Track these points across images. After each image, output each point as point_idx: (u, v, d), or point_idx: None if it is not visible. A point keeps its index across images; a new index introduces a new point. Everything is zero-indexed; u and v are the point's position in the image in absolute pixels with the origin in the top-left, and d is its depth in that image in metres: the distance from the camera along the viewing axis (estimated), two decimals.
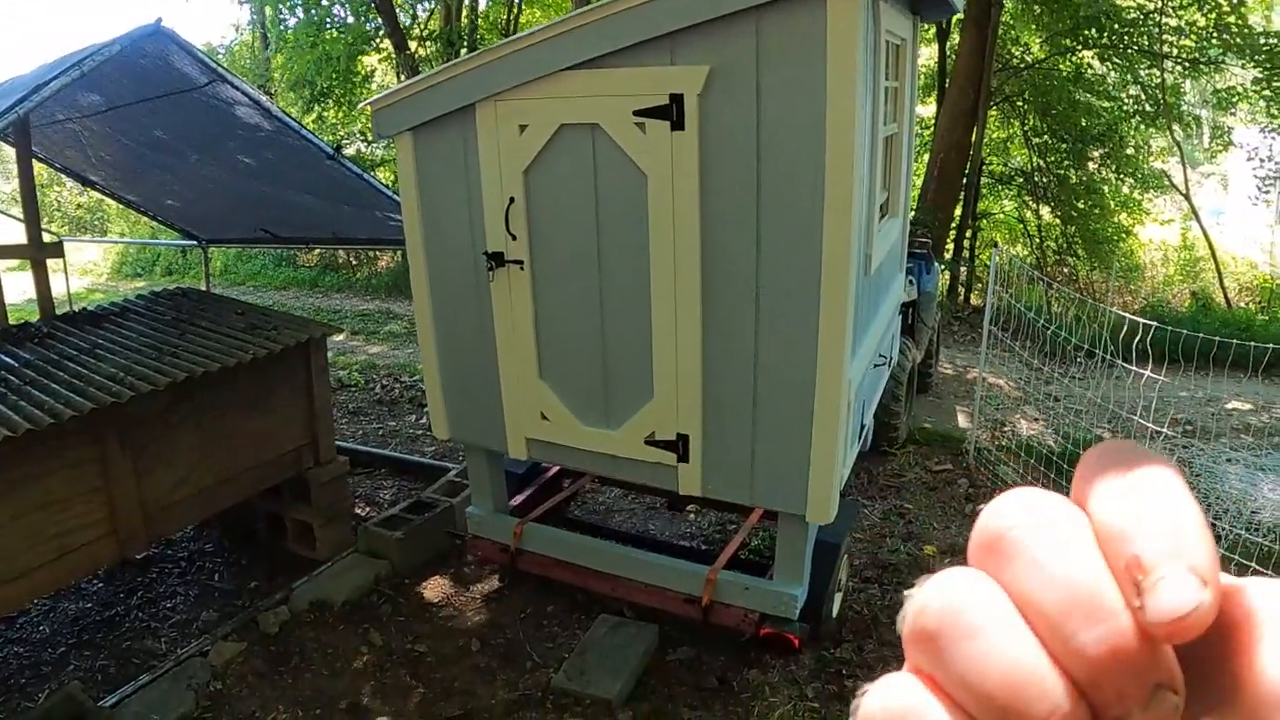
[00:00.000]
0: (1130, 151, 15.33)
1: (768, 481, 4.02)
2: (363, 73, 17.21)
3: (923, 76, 15.79)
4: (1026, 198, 16.04)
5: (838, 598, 4.98)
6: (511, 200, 4.08)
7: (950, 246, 14.08)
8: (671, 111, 3.56)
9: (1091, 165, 15.33)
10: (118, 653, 5.01)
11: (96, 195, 18.15)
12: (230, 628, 5.03)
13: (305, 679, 4.67)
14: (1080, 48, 14.01)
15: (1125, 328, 5.46)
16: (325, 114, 16.90)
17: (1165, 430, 7.02)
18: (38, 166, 7.16)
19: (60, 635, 5.18)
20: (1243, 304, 14.47)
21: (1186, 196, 15.25)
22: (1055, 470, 6.43)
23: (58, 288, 10.07)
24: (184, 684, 4.54)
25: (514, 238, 4.15)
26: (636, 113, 3.64)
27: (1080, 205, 14.99)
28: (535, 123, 3.90)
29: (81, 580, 5.58)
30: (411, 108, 4.21)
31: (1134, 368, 5.30)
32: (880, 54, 4.07)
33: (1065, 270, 15.71)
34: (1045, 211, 15.94)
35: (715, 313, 3.82)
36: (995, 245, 7.88)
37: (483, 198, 4.18)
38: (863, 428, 4.77)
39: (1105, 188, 15.45)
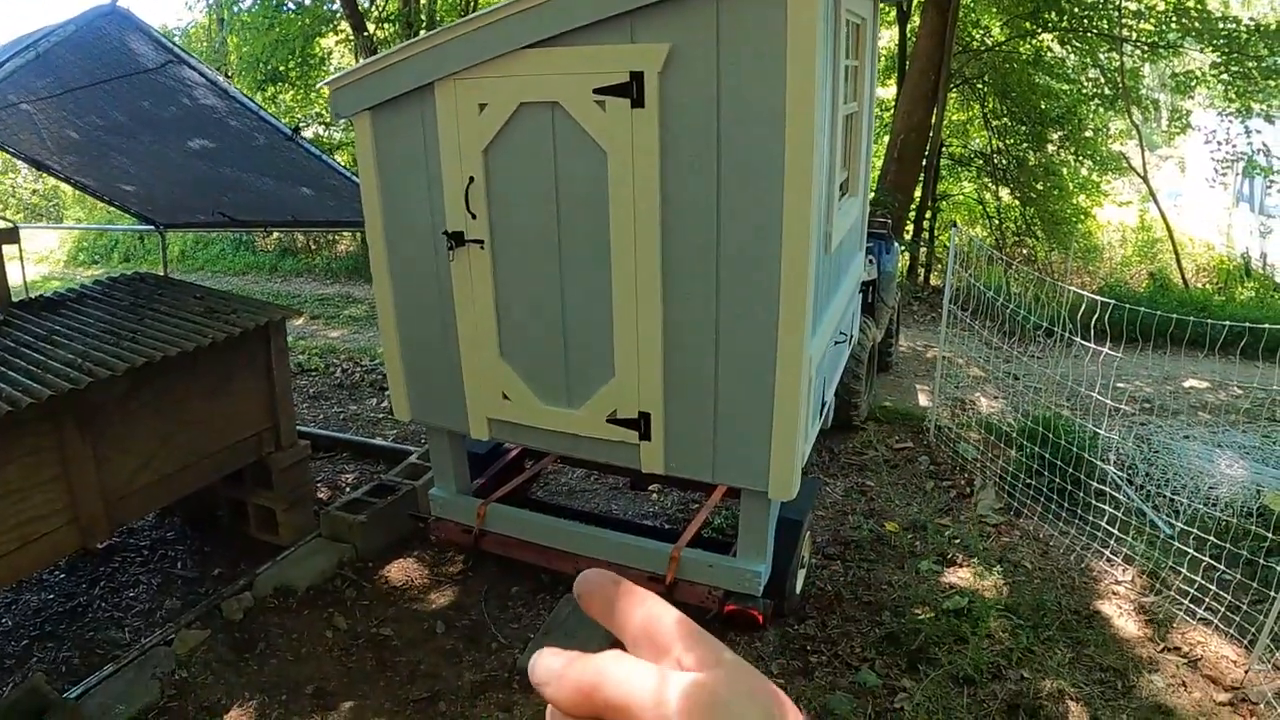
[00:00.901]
0: (1089, 134, 15.47)
1: (730, 459, 4.04)
2: (320, 55, 17.02)
3: (883, 58, 15.84)
4: (986, 179, 16.15)
5: (801, 574, 5.02)
6: (471, 179, 4.06)
7: (910, 227, 14.17)
8: (632, 89, 3.56)
9: (1050, 147, 15.47)
10: (81, 643, 4.96)
11: (52, 181, 17.89)
12: (194, 615, 4.99)
13: (270, 665, 4.65)
14: (1040, 30, 14.11)
15: (1084, 306, 5.52)
16: (281, 96, 16.70)
17: (1124, 407, 7.11)
18: None
19: (22, 627, 5.12)
20: (1200, 285, 14.65)
21: (1144, 179, 15.41)
22: (1015, 447, 6.50)
23: (13, 276, 9.89)
24: (149, 673, 4.50)
25: (474, 217, 4.13)
26: (597, 91, 3.63)
27: (1039, 187, 15.13)
28: (495, 101, 3.88)
29: (43, 571, 5.52)
30: (370, 87, 4.18)
31: (1093, 345, 5.36)
32: (840, 33, 4.09)
33: (1024, 251, 15.86)
34: (1004, 193, 16.06)
35: (676, 290, 3.83)
36: (954, 225, 7.92)
37: (442, 177, 4.16)
38: (824, 405, 4.80)
39: (1064, 170, 15.60)
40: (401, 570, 5.51)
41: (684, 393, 4.00)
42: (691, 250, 3.74)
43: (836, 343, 4.99)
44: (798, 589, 4.96)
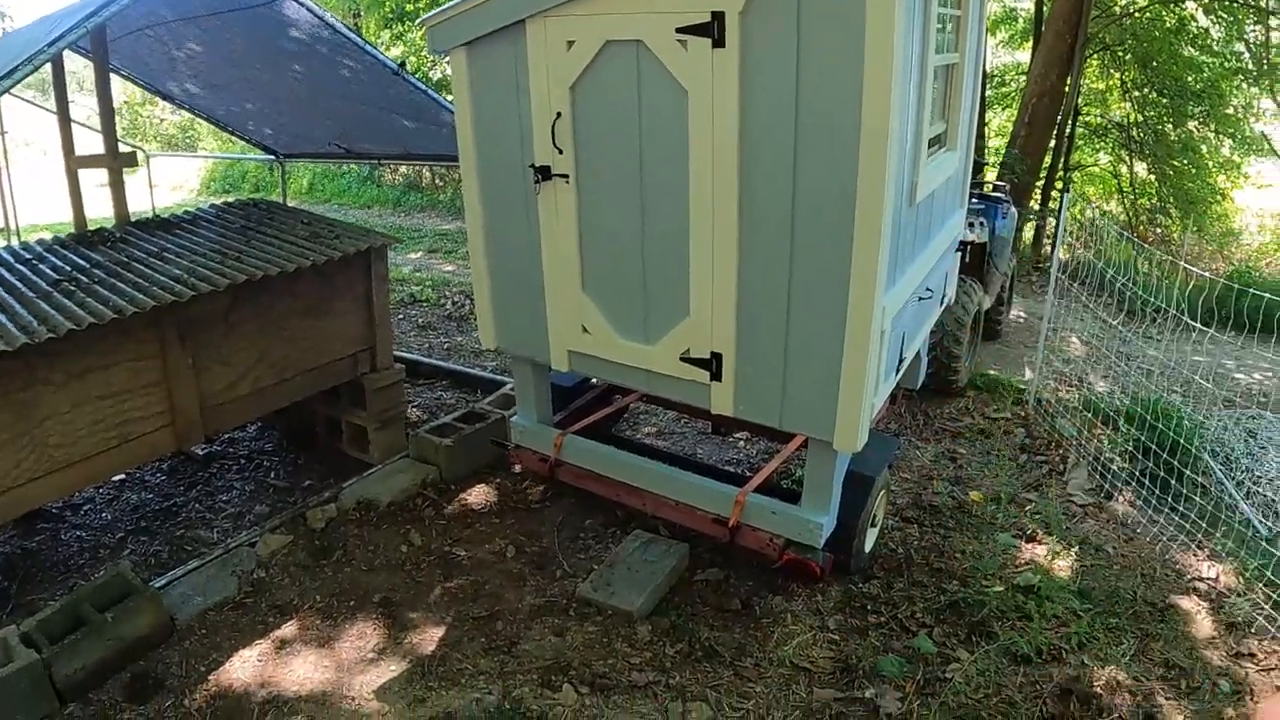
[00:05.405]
0: (1230, 111, 14.72)
1: (797, 405, 4.02)
2: None
3: (1020, 20, 15.36)
4: (1122, 152, 15.54)
5: (872, 533, 4.98)
6: (558, 115, 4.12)
7: (1038, 195, 13.72)
8: (713, 29, 3.54)
9: (1191, 123, 14.78)
10: (172, 540, 5.28)
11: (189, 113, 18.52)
12: (279, 521, 5.25)
13: (344, 573, 4.87)
14: None
15: (1212, 290, 5.27)
16: (409, 34, 16.93)
17: (1238, 400, 6.83)
18: (133, 86, 7.38)
19: (120, 522, 5.46)
20: None
21: None
22: (1115, 428, 6.31)
23: (144, 201, 10.35)
24: (229, 570, 4.77)
25: (560, 152, 4.19)
26: (679, 30, 3.62)
27: (1176, 163, 14.49)
28: (582, 39, 3.91)
29: (146, 471, 5.86)
30: (464, 24, 4.25)
31: (1210, 331, 5.16)
32: None
33: (1158, 230, 15.24)
34: (1141, 168, 15.43)
35: (751, 233, 3.82)
36: (1065, 190, 7.67)
37: (531, 112, 4.22)
38: (902, 360, 4.73)
39: (1204, 147, 14.90)
40: (481, 495, 5.67)
41: (755, 335, 4.00)
42: (768, 194, 3.72)
43: (922, 299, 4.91)
44: (867, 547, 4.92)
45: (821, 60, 3.41)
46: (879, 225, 3.50)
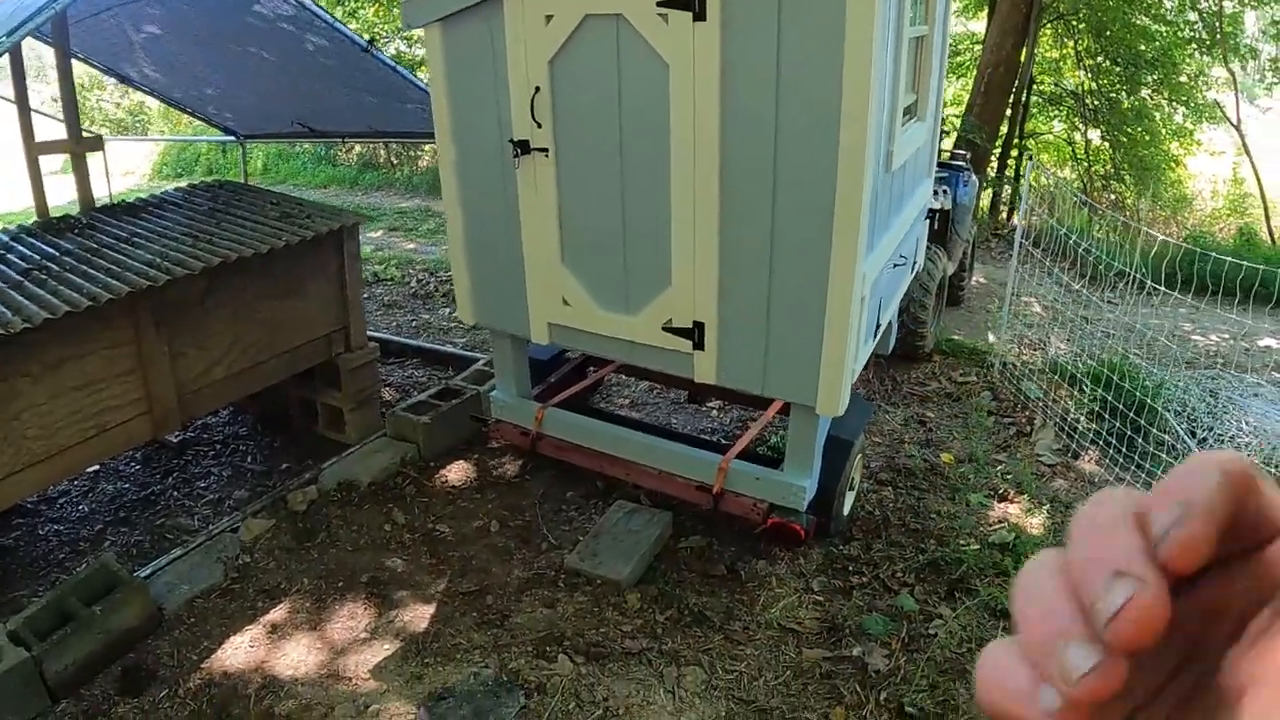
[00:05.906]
0: (1183, 79, 14.89)
1: (780, 372, 4.08)
2: None
3: None
4: (1076, 120, 15.69)
5: (850, 496, 5.06)
6: (537, 89, 4.12)
7: (994, 163, 13.84)
8: (694, 2, 3.57)
9: (1145, 91, 14.93)
10: (152, 529, 5.23)
11: (138, 96, 18.18)
12: (260, 505, 5.22)
13: (330, 554, 4.86)
14: None
15: (1168, 254, 5.38)
16: (361, 11, 16.72)
17: (1200, 360, 6.97)
18: (79, 68, 7.22)
19: (99, 513, 5.40)
20: None
21: (1237, 128, 14.85)
22: (1080, 389, 6.43)
23: (99, 188, 10.21)
24: (214, 557, 4.74)
25: (539, 126, 4.19)
26: (660, 3, 3.64)
27: (1130, 131, 14.65)
28: (561, 13, 3.91)
29: (120, 460, 5.80)
30: None
31: (1174, 294, 5.27)
32: None
33: (1112, 196, 15.43)
34: (1095, 135, 15.59)
35: (732, 203, 3.86)
36: (1029, 158, 7.77)
37: (509, 87, 4.21)
38: (879, 325, 4.80)
39: (1157, 114, 15.07)
40: (461, 471, 5.68)
41: (737, 304, 4.05)
42: (749, 164, 3.76)
43: (896, 265, 4.97)
44: (845, 510, 5.00)
45: (803, 31, 3.44)
46: (859, 194, 3.55)
